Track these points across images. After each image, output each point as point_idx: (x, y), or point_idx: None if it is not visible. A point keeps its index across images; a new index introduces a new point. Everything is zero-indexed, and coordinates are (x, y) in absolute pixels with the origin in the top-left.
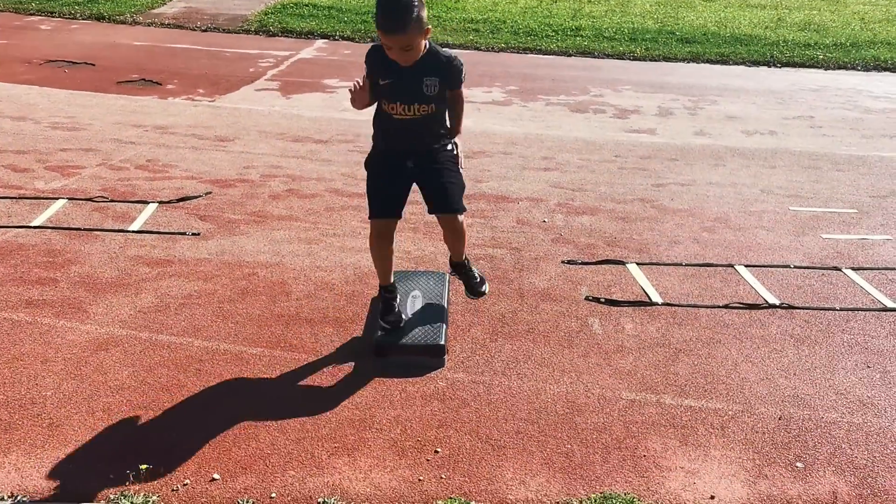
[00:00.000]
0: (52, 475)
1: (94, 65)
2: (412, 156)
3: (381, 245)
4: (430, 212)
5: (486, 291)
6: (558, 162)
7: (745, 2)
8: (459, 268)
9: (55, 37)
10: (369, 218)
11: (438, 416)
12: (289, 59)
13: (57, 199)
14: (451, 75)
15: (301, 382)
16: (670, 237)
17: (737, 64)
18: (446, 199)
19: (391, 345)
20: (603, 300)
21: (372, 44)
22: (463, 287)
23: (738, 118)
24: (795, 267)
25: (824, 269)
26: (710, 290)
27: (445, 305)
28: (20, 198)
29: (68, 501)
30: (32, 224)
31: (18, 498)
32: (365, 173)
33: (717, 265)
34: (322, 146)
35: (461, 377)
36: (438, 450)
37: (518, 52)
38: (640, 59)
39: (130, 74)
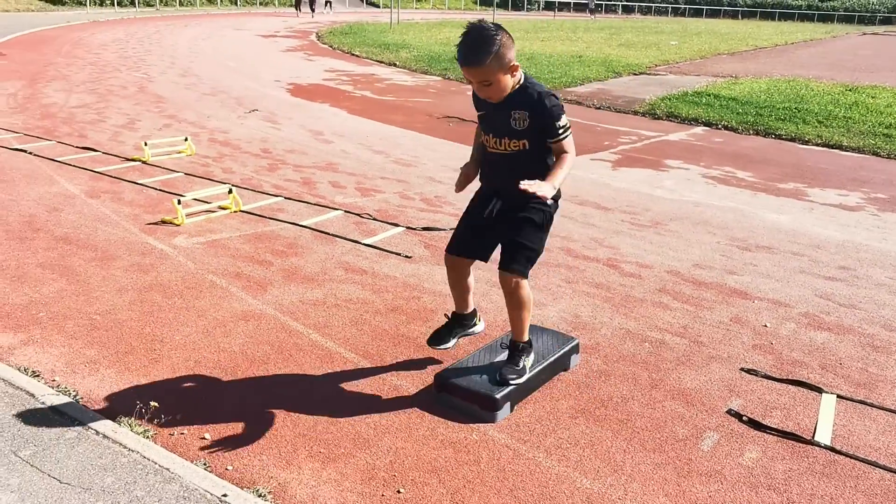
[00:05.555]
0: (109, 391)
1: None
2: (501, 195)
3: (452, 277)
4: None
5: (513, 385)
6: (854, 274)
7: None
8: (512, 348)
9: (467, 100)
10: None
11: (438, 463)
12: (651, 139)
13: (337, 210)
14: (542, 112)
15: (352, 392)
16: None
17: None
18: (506, 255)
19: (450, 383)
20: (746, 419)
21: None
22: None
23: None
24: None
25: None
26: None
27: (536, 365)
28: (314, 204)
29: (97, 413)
30: (300, 223)
31: (76, 396)
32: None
33: None
34: (601, 213)
35: (499, 438)
36: (402, 490)
37: None
38: None
39: None
